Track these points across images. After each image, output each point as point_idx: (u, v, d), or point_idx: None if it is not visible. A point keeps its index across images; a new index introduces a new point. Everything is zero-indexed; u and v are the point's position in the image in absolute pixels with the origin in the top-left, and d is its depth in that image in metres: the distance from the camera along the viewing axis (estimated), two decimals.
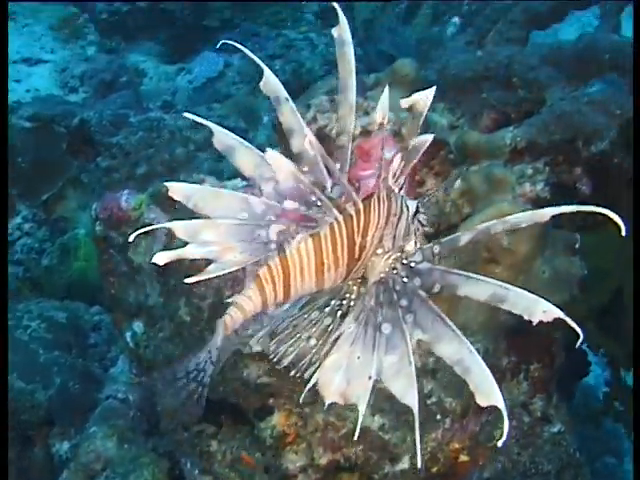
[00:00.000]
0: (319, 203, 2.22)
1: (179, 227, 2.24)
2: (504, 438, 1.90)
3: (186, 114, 2.36)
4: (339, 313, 2.31)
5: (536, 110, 4.29)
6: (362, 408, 2.09)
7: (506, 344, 3.99)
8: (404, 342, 2.11)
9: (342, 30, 2.25)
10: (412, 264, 2.25)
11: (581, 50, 4.27)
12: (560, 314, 1.93)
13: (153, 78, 9.17)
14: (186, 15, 9.94)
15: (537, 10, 4.66)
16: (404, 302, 2.19)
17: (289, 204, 2.24)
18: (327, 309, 2.34)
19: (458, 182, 4.06)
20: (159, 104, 8.32)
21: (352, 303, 2.32)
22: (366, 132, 4.00)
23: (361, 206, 2.25)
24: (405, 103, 2.17)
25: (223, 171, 7.31)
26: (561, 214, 2.02)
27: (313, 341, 2.30)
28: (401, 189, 2.33)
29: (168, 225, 2.22)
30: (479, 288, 2.08)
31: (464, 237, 2.15)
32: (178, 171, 6.88)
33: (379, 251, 2.31)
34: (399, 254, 2.31)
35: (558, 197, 4.13)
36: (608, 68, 4.18)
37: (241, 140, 2.30)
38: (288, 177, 2.17)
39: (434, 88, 2.13)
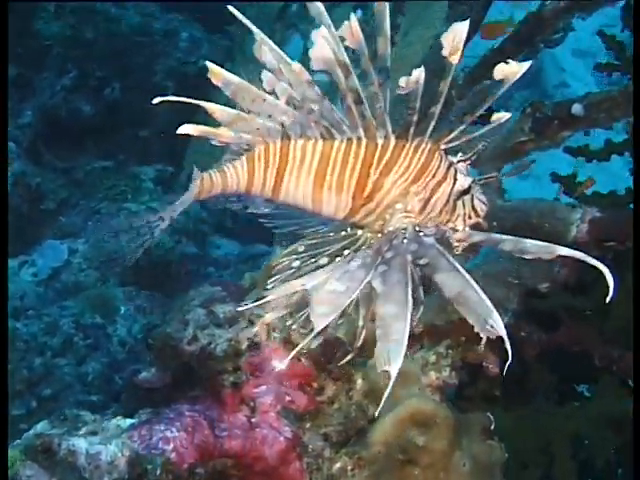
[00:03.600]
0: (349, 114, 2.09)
1: (217, 110, 2.11)
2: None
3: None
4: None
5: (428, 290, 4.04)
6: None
7: None
8: (359, 283, 2.00)
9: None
10: (421, 233, 2.18)
11: None
12: (503, 333, 2.00)
13: None
14: (21, 202, 9.47)
15: None
16: (388, 255, 2.09)
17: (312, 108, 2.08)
18: (338, 258, 2.18)
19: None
20: (9, 311, 7.81)
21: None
22: (254, 345, 3.69)
23: (392, 142, 2.12)
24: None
25: (88, 374, 6.85)
26: None
27: None
28: (464, 161, 2.20)
29: (204, 104, 2.08)
30: (453, 282, 2.00)
31: (476, 236, 2.17)
32: (40, 385, 6.39)
33: (398, 206, 2.19)
34: (423, 225, 2.22)
35: (467, 379, 3.88)
36: None
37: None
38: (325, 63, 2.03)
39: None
